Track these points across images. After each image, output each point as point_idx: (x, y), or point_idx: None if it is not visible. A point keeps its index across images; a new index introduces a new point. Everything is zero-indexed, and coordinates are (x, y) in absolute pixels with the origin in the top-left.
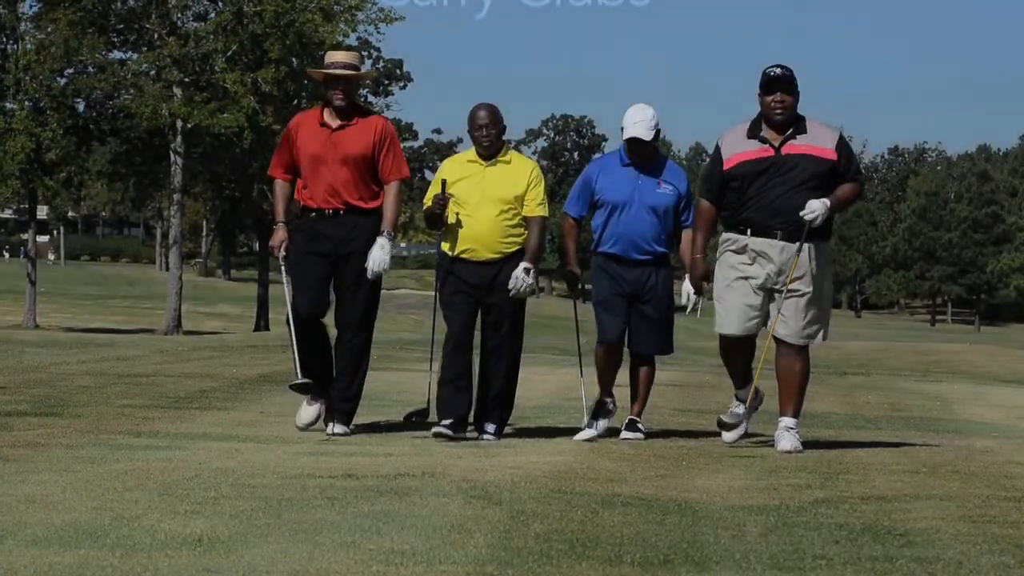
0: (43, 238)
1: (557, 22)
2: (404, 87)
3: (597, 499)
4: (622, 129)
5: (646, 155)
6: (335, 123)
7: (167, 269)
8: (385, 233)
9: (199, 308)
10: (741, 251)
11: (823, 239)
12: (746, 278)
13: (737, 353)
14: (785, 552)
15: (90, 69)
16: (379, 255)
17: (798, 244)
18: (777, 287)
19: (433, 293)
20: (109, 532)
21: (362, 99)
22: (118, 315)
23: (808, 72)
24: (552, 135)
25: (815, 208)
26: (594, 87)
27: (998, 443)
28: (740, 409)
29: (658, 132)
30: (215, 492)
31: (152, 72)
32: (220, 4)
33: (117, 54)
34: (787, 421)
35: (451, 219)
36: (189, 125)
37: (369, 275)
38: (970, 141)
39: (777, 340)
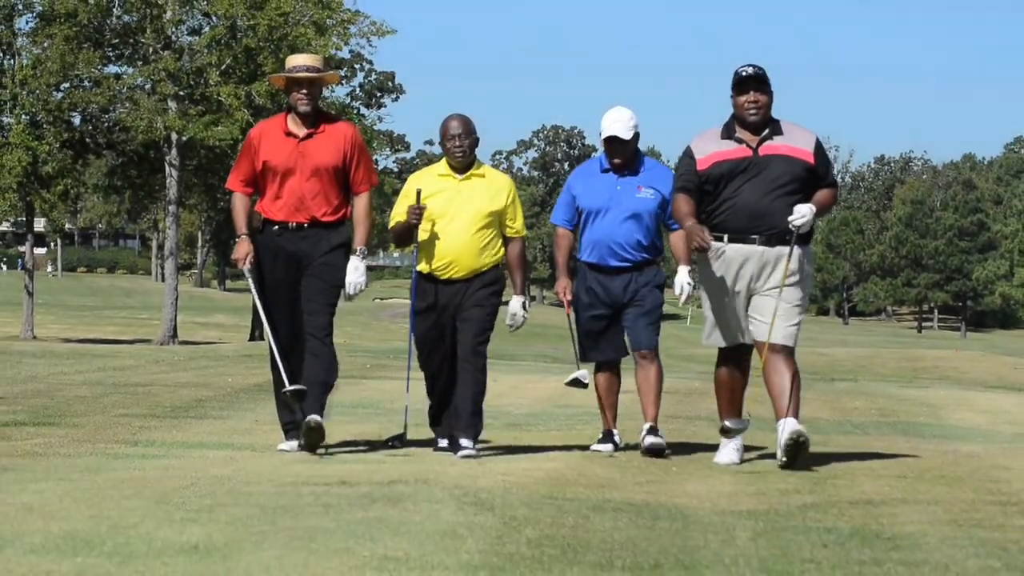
0: (40, 250)
1: (548, 32)
2: (396, 99)
3: (588, 505)
4: (600, 134)
5: (626, 158)
6: (301, 132)
7: (163, 280)
8: (358, 251)
9: (195, 318)
10: (717, 258)
11: (804, 242)
12: (728, 289)
13: (731, 367)
14: (774, 556)
15: (86, 83)
16: (355, 279)
17: (789, 250)
18: (756, 292)
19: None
20: (106, 540)
21: (354, 111)
22: (115, 326)
23: (794, 81)
24: (543, 146)
25: (804, 213)
26: (584, 98)
27: (984, 448)
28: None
29: (637, 135)
30: (211, 500)
31: (147, 86)
32: (214, 18)
33: (112, 68)
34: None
35: (423, 234)
36: (184, 138)
37: (346, 297)
38: (955, 150)
39: (757, 345)
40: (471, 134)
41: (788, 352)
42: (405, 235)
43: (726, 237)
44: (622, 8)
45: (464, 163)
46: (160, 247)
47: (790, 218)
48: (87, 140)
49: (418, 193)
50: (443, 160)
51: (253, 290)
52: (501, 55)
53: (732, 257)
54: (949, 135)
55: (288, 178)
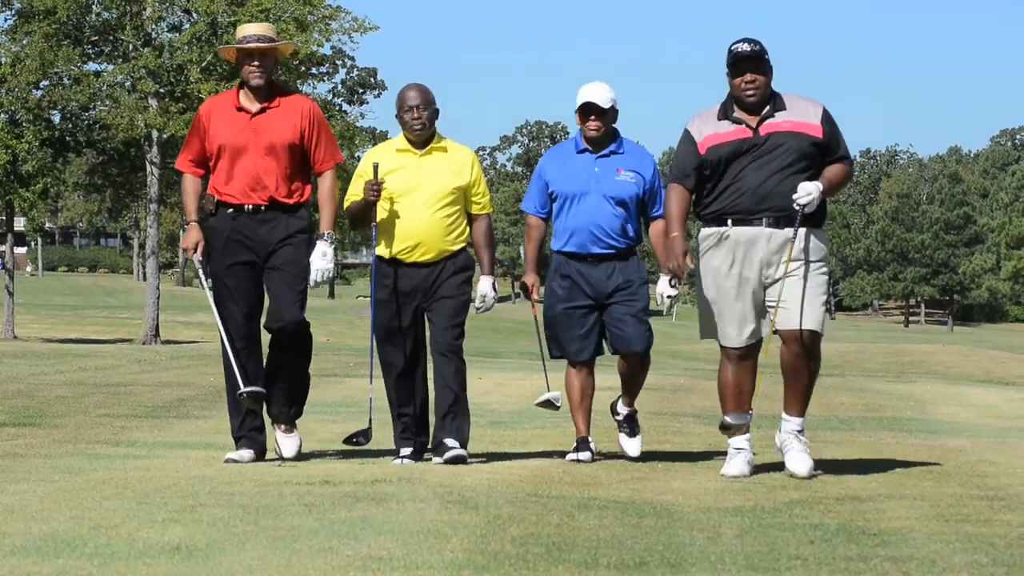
0: (21, 250)
1: (531, 26)
2: (379, 95)
3: (573, 503)
4: (575, 108)
5: (604, 132)
6: (254, 106)
7: (144, 279)
8: (326, 236)
9: (177, 318)
10: (722, 244)
11: (816, 225)
12: (735, 278)
13: (739, 367)
14: (760, 553)
15: (65, 81)
16: (321, 264)
17: (794, 231)
18: (767, 281)
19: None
20: (87, 541)
21: (336, 108)
22: (96, 325)
23: (778, 75)
24: (527, 141)
25: (809, 191)
26: (568, 93)
27: (971, 442)
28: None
29: (616, 110)
30: (193, 500)
31: (127, 83)
32: (194, 15)
33: (92, 66)
34: (794, 423)
35: (382, 215)
36: (165, 136)
37: (311, 283)
38: (941, 143)
39: (782, 333)
40: (430, 105)
41: (813, 338)
42: (362, 215)
43: (730, 221)
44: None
45: (423, 137)
46: (142, 246)
47: (795, 196)
48: (67, 138)
49: (375, 167)
50: (400, 135)
51: (203, 282)
52: (483, 50)
53: (738, 241)
54: (935, 128)
55: (241, 156)
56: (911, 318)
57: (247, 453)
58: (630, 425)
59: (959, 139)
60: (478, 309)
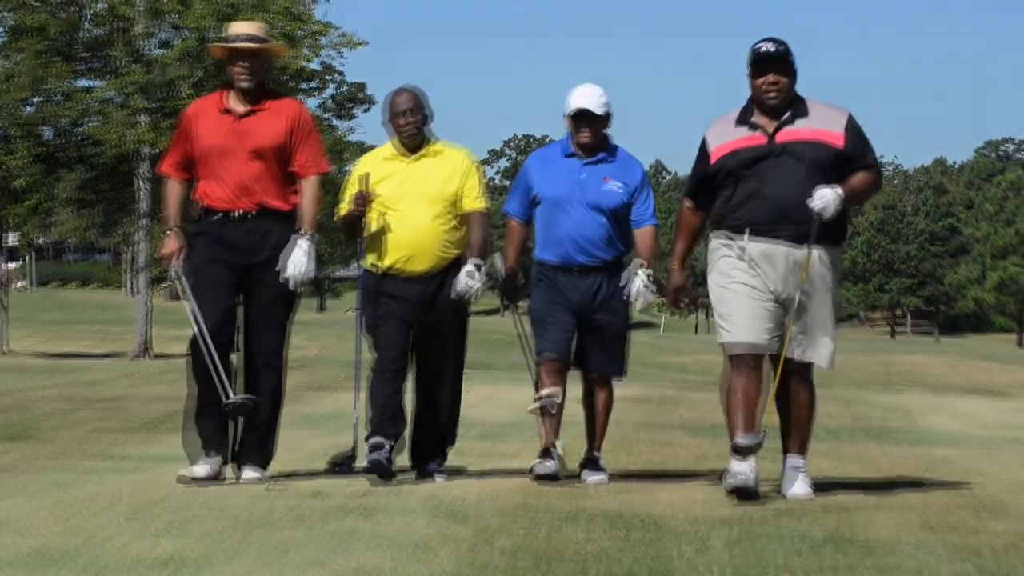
0: (13, 265)
1: (518, 42)
2: (367, 110)
3: (562, 514)
4: (565, 112)
5: (596, 139)
6: (241, 108)
7: (135, 294)
8: (307, 234)
9: (168, 331)
10: (738, 257)
11: (833, 243)
12: (751, 285)
13: (747, 375)
14: (748, 564)
15: (56, 97)
16: (300, 258)
17: (808, 242)
18: (783, 296)
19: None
20: (79, 555)
21: (326, 123)
22: (88, 340)
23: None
24: (514, 155)
25: (826, 196)
26: (555, 108)
27: (957, 452)
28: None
29: (610, 115)
30: (184, 514)
31: (118, 99)
32: (184, 31)
33: (83, 82)
34: (794, 460)
35: (373, 226)
36: (156, 151)
37: (291, 285)
38: (926, 154)
39: (776, 361)
40: (422, 109)
41: (804, 372)
42: (352, 227)
43: (747, 234)
44: (596, 16)
45: (414, 142)
46: (132, 260)
47: (809, 202)
48: (58, 154)
49: (366, 178)
50: (388, 143)
51: (186, 292)
52: (471, 64)
53: (754, 255)
54: (920, 139)
55: (225, 160)
56: (897, 329)
57: (217, 461)
58: (593, 466)
59: (944, 151)
60: (459, 295)
